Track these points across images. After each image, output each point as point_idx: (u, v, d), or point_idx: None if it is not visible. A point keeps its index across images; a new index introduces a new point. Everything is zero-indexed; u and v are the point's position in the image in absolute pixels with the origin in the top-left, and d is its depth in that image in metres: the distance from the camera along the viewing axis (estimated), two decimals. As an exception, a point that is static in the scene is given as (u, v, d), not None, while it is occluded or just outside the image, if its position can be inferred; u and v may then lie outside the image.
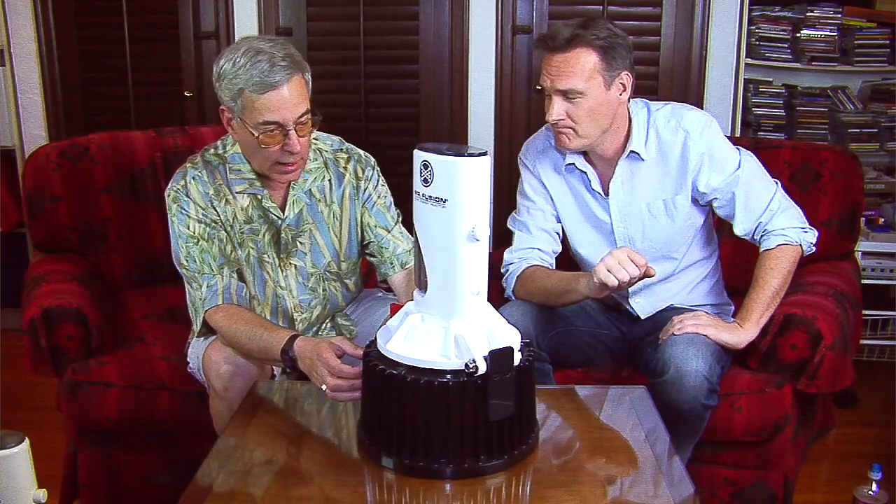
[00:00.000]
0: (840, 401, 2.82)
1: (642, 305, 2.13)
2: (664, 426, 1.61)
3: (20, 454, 1.44)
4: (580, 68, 1.88)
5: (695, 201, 2.05)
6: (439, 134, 3.23)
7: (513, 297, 2.10)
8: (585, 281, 1.89)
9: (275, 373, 1.91)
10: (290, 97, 1.73)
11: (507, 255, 2.13)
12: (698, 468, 2.05)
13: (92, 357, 2.10)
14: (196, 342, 1.98)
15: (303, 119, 1.77)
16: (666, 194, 2.04)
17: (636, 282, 1.81)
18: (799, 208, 2.05)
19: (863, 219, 2.96)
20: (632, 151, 2.01)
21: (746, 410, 1.98)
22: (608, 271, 1.78)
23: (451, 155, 1.34)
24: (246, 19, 3.19)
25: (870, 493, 1.97)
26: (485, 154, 1.35)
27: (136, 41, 3.22)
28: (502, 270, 2.12)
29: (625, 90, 1.95)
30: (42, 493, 1.48)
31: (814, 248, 2.04)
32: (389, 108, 3.24)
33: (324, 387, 1.61)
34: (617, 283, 1.78)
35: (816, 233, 2.04)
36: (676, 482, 1.42)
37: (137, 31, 3.21)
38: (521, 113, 3.22)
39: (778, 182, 2.07)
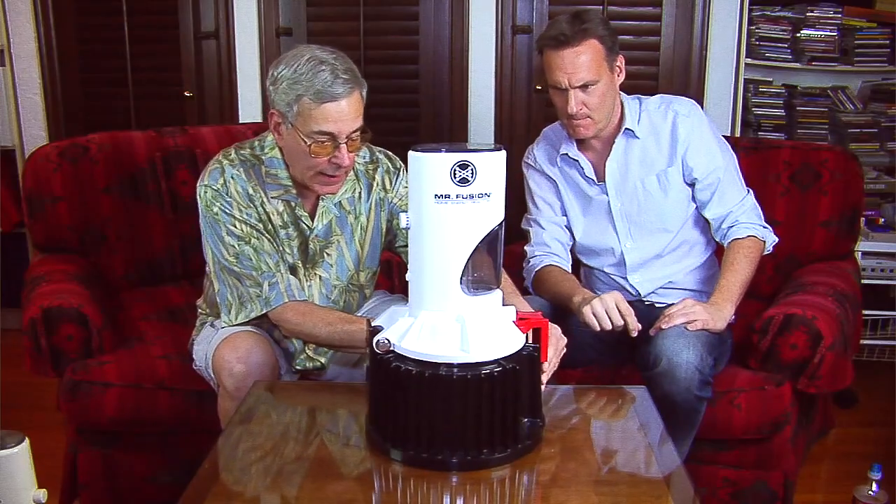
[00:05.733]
0: (840, 401, 2.83)
1: (641, 283, 2.20)
2: (663, 423, 1.61)
3: (20, 454, 1.45)
4: (591, 58, 1.98)
5: (684, 178, 2.14)
6: (439, 134, 3.24)
7: (532, 291, 2.20)
8: (576, 306, 2.01)
9: (281, 373, 1.91)
10: (347, 111, 1.74)
11: (527, 249, 2.25)
12: (698, 468, 2.05)
13: (92, 357, 2.10)
14: (201, 340, 1.98)
15: (354, 135, 1.78)
16: (659, 168, 2.13)
17: (621, 328, 1.94)
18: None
19: (863, 219, 2.96)
20: (627, 129, 2.12)
21: (746, 408, 1.98)
22: (594, 316, 1.93)
23: (417, 150, 1.38)
24: (246, 19, 3.19)
25: (870, 493, 1.98)
26: (429, 152, 1.36)
27: (136, 41, 3.22)
28: (524, 264, 2.24)
29: (621, 72, 2.09)
30: (42, 493, 1.48)
31: (772, 250, 2.15)
32: (389, 108, 3.24)
33: None
34: (599, 329, 1.93)
35: (776, 239, 2.15)
36: (676, 482, 1.42)
37: (137, 31, 3.22)
38: (521, 113, 3.22)
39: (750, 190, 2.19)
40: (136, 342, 2.22)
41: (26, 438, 1.46)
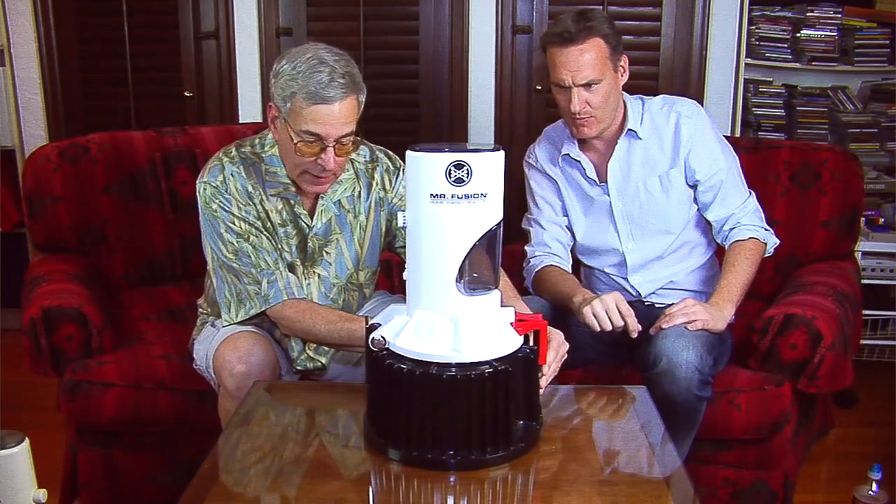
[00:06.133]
0: (840, 401, 2.83)
1: (641, 283, 2.20)
2: (663, 423, 1.61)
3: (20, 454, 1.45)
4: (595, 58, 1.99)
5: (686, 179, 2.14)
6: (439, 134, 3.24)
7: (532, 291, 2.20)
8: (576, 306, 2.01)
9: (282, 373, 1.91)
10: (338, 115, 1.74)
11: (527, 249, 2.25)
12: (698, 468, 2.05)
13: (92, 357, 2.10)
14: (202, 339, 1.98)
15: (344, 140, 1.78)
16: (661, 170, 2.13)
17: (621, 328, 1.94)
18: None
19: (863, 219, 2.96)
20: (629, 129, 2.11)
21: (746, 408, 1.98)
22: (594, 316, 1.93)
23: (414, 149, 1.39)
24: (246, 19, 3.19)
25: (870, 493, 1.98)
26: (425, 152, 1.37)
27: (136, 41, 3.22)
28: (524, 264, 2.23)
29: (624, 72, 2.07)
30: (42, 493, 1.48)
31: (773, 252, 2.15)
32: (389, 108, 3.24)
33: None
34: (599, 329, 1.93)
35: (778, 241, 2.14)
36: (676, 482, 1.42)
37: (137, 31, 3.21)
38: (522, 113, 3.22)
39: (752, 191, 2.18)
40: (136, 342, 2.22)
41: (26, 438, 1.46)
